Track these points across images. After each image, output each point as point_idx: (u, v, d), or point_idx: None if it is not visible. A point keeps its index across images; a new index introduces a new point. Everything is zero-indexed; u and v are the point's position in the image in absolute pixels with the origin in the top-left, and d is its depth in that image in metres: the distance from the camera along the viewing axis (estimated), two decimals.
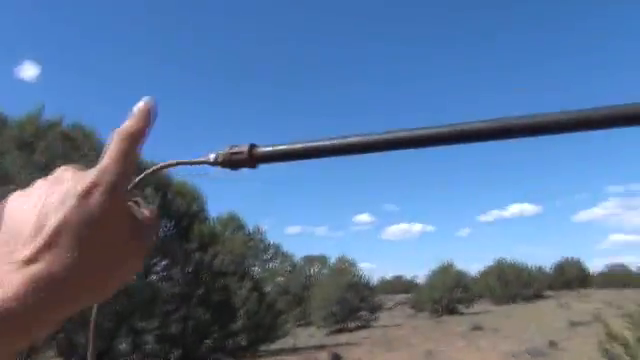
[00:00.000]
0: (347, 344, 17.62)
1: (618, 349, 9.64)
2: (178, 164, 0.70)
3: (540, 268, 45.77)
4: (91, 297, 0.40)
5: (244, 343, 13.82)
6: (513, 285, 36.27)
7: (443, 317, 26.73)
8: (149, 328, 13.11)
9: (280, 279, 24.23)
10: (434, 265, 32.20)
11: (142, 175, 0.67)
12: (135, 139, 0.45)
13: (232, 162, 0.70)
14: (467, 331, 19.03)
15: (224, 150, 0.71)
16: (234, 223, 18.13)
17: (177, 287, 13.23)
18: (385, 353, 15.04)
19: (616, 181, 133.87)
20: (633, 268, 53.58)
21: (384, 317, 27.10)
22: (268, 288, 15.85)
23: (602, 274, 55.31)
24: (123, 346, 13.24)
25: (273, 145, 0.72)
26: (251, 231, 19.66)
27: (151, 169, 0.69)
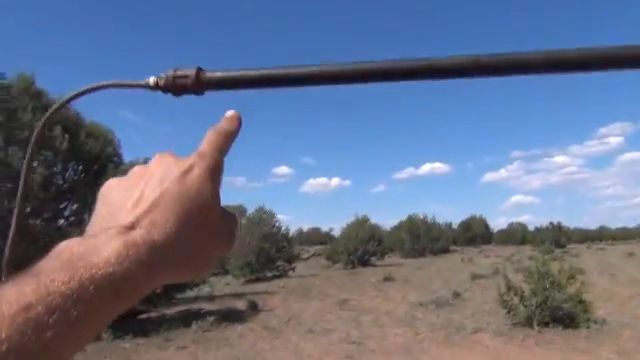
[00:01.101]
0: (264, 293, 17.92)
1: (515, 299, 10.52)
2: (110, 86, 0.64)
3: (449, 224, 48.66)
4: (185, 269, 0.41)
5: (158, 290, 13.61)
6: (423, 239, 38.28)
7: (357, 269, 27.79)
8: None
9: None
10: (350, 219, 33.17)
11: (74, 94, 0.63)
12: (229, 137, 0.49)
13: (176, 87, 0.64)
14: (379, 282, 19.95)
15: (167, 73, 0.65)
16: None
17: None
18: (301, 301, 15.46)
19: (520, 146, 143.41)
20: (530, 227, 58.24)
21: (300, 268, 27.74)
22: None
23: (503, 231, 59.80)
24: None
25: (223, 70, 0.66)
26: None
27: (82, 89, 0.64)
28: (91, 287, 0.33)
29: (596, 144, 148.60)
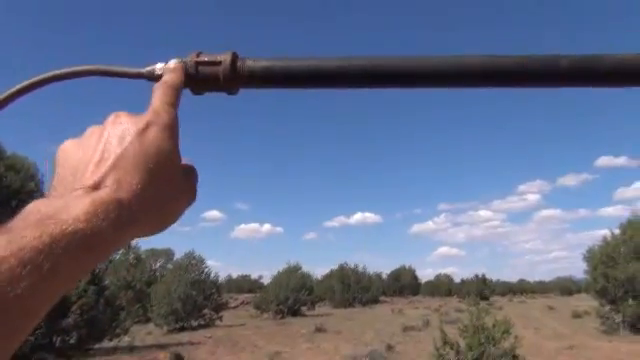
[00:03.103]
0: (189, 343, 16.92)
1: (451, 354, 10.44)
2: (97, 73, 0.50)
3: (379, 274, 49.01)
4: (153, 224, 0.42)
5: (73, 341, 12.47)
6: (353, 289, 38.15)
7: (287, 318, 27.07)
8: None
9: (123, 272, 22.49)
10: (281, 266, 32.59)
11: (46, 76, 0.49)
12: (178, 90, 0.47)
13: (200, 79, 0.47)
14: (310, 333, 19.42)
15: (185, 58, 0.48)
16: None
17: None
18: (229, 354, 14.66)
19: (445, 199, 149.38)
20: (456, 278, 59.81)
21: (228, 316, 26.69)
22: (108, 281, 14.49)
23: (430, 282, 60.95)
24: None
25: (269, 58, 0.48)
26: None
27: (57, 72, 0.50)
28: (62, 242, 0.34)
29: (516, 200, 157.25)
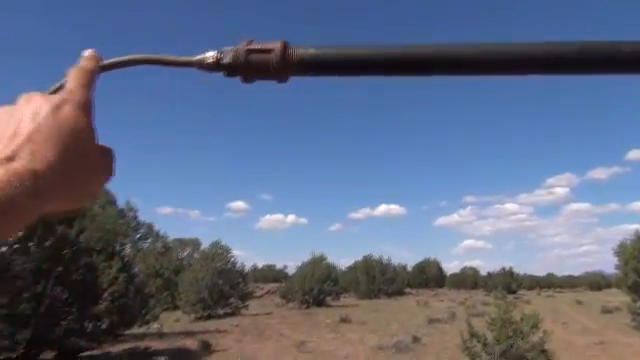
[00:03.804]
0: (216, 331, 17.16)
1: (478, 347, 10.36)
2: (149, 62, 0.51)
3: (403, 266, 48.83)
4: (68, 197, 0.43)
5: (104, 327, 12.76)
6: (378, 281, 38.10)
7: (312, 308, 27.22)
8: None
9: (151, 261, 22.96)
10: (305, 256, 32.72)
11: (109, 62, 0.51)
12: (90, 74, 0.49)
13: (250, 66, 0.47)
14: (336, 323, 19.50)
15: (236, 47, 0.48)
16: (104, 198, 16.68)
17: (33, 262, 11.79)
18: (256, 342, 14.84)
19: (472, 192, 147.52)
20: (482, 271, 59.17)
21: (254, 305, 26.94)
22: (137, 269, 14.79)
23: (455, 275, 60.42)
24: None
25: (318, 46, 0.48)
26: (122, 207, 18.26)
27: (112, 61, 0.52)
28: None
29: (544, 193, 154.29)
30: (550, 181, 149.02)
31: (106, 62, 0.52)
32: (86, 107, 0.45)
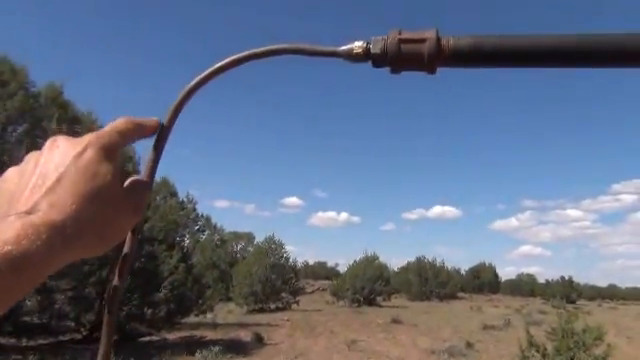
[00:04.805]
0: (268, 324, 17.42)
1: (537, 357, 10.01)
2: (294, 51, 0.51)
3: (457, 270, 47.90)
4: (90, 245, 0.42)
5: (162, 314, 13.23)
6: (431, 283, 37.55)
7: (362, 307, 27.15)
8: (61, 287, 12.24)
9: (209, 252, 23.64)
10: (357, 255, 32.66)
11: (253, 51, 0.52)
12: (137, 128, 0.48)
13: (402, 56, 0.46)
14: (387, 324, 19.36)
15: (387, 36, 0.47)
16: (166, 189, 17.27)
17: None
18: (307, 338, 14.95)
19: (532, 196, 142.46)
20: (539, 279, 57.14)
21: (304, 301, 27.16)
22: (196, 260, 15.24)
23: (511, 281, 58.67)
24: (29, 303, 12.29)
25: (473, 35, 0.47)
26: (183, 199, 18.83)
27: (266, 48, 0.52)
28: None
29: (610, 200, 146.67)
30: (616, 187, 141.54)
31: (249, 52, 0.52)
32: (109, 151, 0.44)
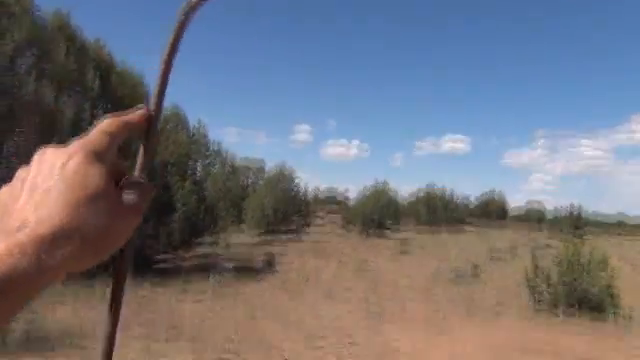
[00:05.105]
0: (279, 249, 17.87)
1: (540, 282, 10.26)
2: None
3: (466, 199, 48.23)
4: (85, 257, 0.40)
5: (177, 242, 13.59)
6: (440, 213, 37.96)
7: (371, 236, 27.68)
8: None
9: (220, 181, 23.88)
10: (367, 184, 32.80)
11: None
12: (125, 126, 0.46)
13: None
14: (395, 252, 19.81)
15: None
16: (177, 118, 17.21)
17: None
18: (317, 263, 15.39)
19: (545, 125, 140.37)
20: (549, 210, 57.46)
21: (314, 229, 27.71)
22: (208, 189, 15.47)
23: (520, 212, 59.12)
24: None
25: None
26: (194, 126, 18.83)
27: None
28: None
29: (627, 132, 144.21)
30: (634, 119, 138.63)
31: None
32: (99, 153, 0.42)
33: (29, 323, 6.35)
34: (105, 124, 0.45)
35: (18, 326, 6.21)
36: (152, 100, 0.48)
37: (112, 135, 0.44)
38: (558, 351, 7.41)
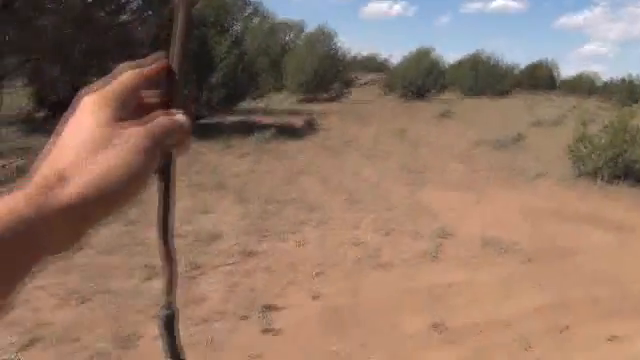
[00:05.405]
0: (319, 113, 17.88)
1: (585, 149, 10.04)
2: None
3: (514, 66, 46.03)
4: (108, 205, 0.39)
5: (218, 98, 13.68)
6: (485, 79, 36.61)
7: (413, 100, 27.20)
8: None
9: (260, 39, 23.33)
10: (411, 48, 31.55)
11: None
12: (142, 80, 0.43)
13: None
14: (436, 116, 19.52)
15: None
16: None
17: (152, 30, 12.36)
18: (358, 126, 15.41)
19: None
20: (602, 79, 54.60)
21: (354, 93, 27.32)
22: (247, 46, 15.14)
23: (570, 80, 56.33)
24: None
25: None
26: None
27: None
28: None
29: None
30: None
31: None
32: (104, 99, 0.40)
33: None
34: (123, 76, 0.42)
35: None
36: (173, 50, 0.44)
37: (125, 85, 0.42)
38: (595, 217, 7.46)
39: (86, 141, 0.38)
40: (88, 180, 0.37)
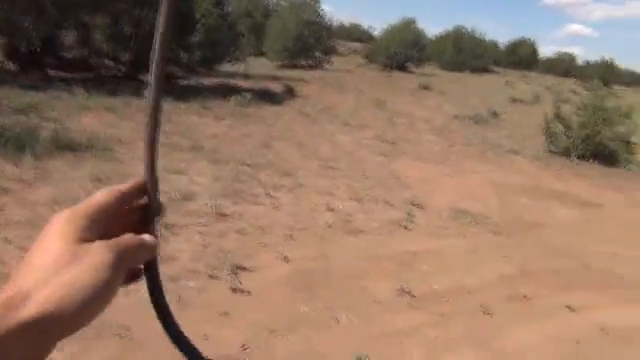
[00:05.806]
0: (299, 79, 17.70)
1: (558, 129, 10.22)
2: None
3: (495, 43, 46.09)
4: (74, 323, 0.38)
5: (198, 58, 13.41)
6: (466, 54, 36.62)
7: (393, 72, 27.11)
8: (98, 24, 12.26)
9: (243, 1, 22.85)
10: (393, 19, 31.25)
11: None
12: (114, 199, 0.44)
13: None
14: (415, 89, 19.54)
15: None
16: None
17: None
18: (336, 94, 15.33)
19: None
20: (581, 60, 55.13)
21: (335, 62, 27.05)
22: (229, 8, 14.78)
23: (549, 60, 56.73)
24: (68, 38, 12.51)
25: None
26: None
27: None
28: None
29: None
30: None
31: None
32: (77, 215, 0.40)
33: (54, 131, 6.58)
34: (96, 194, 0.43)
35: (45, 133, 6.45)
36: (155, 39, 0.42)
37: (98, 203, 0.42)
38: (564, 194, 7.65)
39: (52, 260, 0.38)
40: (49, 295, 0.37)
